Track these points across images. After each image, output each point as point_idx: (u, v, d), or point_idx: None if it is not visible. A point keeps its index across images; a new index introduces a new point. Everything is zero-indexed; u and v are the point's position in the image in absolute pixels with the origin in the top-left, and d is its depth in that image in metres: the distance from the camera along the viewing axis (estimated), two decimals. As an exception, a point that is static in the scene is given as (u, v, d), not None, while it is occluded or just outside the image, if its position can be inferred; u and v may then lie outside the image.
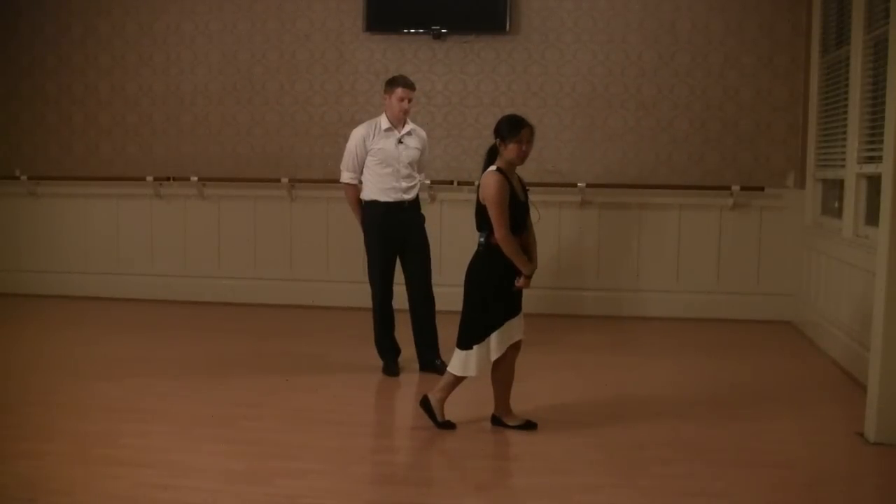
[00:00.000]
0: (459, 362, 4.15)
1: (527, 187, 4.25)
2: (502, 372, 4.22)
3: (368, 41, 7.34)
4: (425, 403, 4.26)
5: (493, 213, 4.00)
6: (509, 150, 4.06)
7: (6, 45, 7.83)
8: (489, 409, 4.32)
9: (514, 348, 4.22)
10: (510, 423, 4.26)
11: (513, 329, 4.15)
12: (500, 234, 4.00)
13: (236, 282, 7.60)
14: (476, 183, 4.21)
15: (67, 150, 7.86)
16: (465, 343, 4.14)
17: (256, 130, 7.56)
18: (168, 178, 7.59)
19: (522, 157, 4.09)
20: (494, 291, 4.08)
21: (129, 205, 7.74)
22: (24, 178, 7.78)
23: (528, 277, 4.08)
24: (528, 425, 4.25)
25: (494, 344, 4.09)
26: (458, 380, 4.20)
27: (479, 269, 4.12)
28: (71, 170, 7.81)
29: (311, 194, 7.41)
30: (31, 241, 7.89)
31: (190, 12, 7.57)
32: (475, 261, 4.16)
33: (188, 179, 7.52)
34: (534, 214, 4.20)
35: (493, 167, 4.08)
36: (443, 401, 4.24)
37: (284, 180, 7.38)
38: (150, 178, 7.56)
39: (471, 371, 4.13)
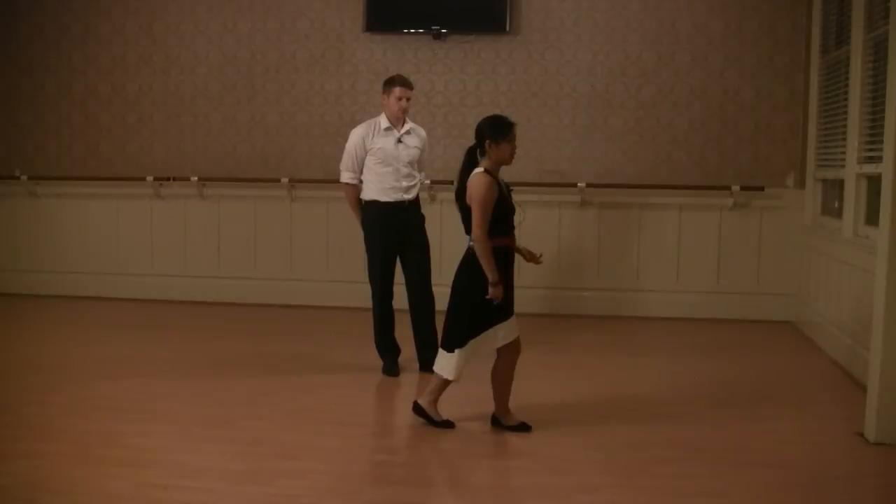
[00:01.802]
0: (444, 363, 4.15)
1: (510, 188, 4.24)
2: (501, 373, 4.21)
3: (368, 41, 7.34)
4: (417, 408, 4.27)
5: (476, 212, 3.96)
6: (502, 150, 4.05)
7: (6, 45, 7.83)
8: (488, 409, 4.32)
9: (514, 351, 4.20)
10: (507, 424, 4.26)
11: (499, 335, 4.12)
12: (477, 233, 3.96)
13: (236, 282, 7.60)
14: (455, 186, 4.19)
15: (67, 150, 7.85)
16: (450, 345, 4.13)
17: (256, 130, 7.56)
18: (168, 178, 7.59)
19: (513, 156, 4.11)
20: (482, 296, 4.03)
21: (129, 205, 7.74)
22: (24, 178, 7.78)
23: (496, 286, 3.98)
24: (522, 427, 4.23)
25: (475, 349, 4.08)
26: (447, 381, 4.20)
27: (468, 274, 4.09)
28: (71, 170, 7.82)
29: (311, 194, 7.41)
30: (31, 241, 7.89)
31: (190, 12, 7.57)
32: (463, 265, 4.14)
33: (188, 179, 7.52)
34: (518, 215, 4.19)
35: (479, 169, 4.06)
36: (434, 402, 4.25)
37: (284, 180, 7.39)
38: (150, 178, 7.56)
39: (450, 374, 4.11)
